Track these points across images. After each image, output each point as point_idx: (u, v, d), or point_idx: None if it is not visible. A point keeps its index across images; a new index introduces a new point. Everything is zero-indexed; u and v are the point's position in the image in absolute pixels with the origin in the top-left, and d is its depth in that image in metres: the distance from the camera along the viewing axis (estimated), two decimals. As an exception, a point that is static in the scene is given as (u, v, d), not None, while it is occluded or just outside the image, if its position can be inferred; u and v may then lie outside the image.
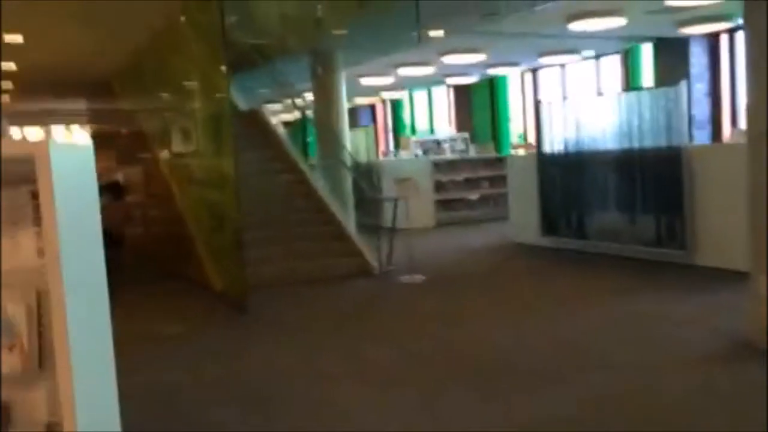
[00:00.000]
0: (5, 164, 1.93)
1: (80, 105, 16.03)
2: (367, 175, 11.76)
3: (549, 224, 9.31)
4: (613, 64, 14.21)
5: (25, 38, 8.57)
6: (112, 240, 8.18)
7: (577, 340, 5.11)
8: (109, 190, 9.28)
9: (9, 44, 8.69)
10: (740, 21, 9.58)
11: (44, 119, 19.68)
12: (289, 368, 4.84)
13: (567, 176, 8.96)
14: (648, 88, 10.66)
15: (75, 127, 20.44)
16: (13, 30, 8.10)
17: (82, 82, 12.63)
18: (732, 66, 12.11)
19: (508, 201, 10.65)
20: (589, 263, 8.21)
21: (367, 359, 4.98)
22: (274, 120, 12.13)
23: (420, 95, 19.96)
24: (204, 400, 4.32)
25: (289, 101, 12.24)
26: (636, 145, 7.93)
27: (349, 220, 9.38)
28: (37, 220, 1.95)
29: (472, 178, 13.43)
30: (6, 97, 14.26)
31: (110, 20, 7.91)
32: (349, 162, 9.84)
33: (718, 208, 7.07)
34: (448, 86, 17.57)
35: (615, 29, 10.26)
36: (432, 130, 19.31)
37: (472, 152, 14.54)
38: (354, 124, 18.93)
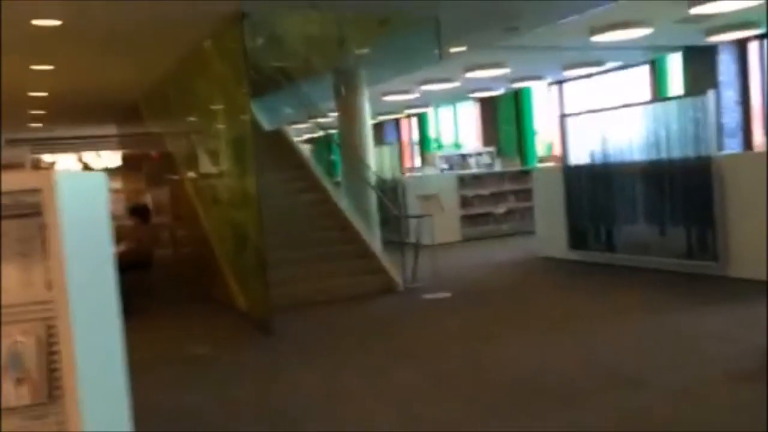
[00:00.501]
0: (15, 196, 1.94)
1: (110, 130, 16.39)
2: (391, 192, 11.74)
3: (576, 237, 9.18)
4: (641, 74, 14.03)
5: (55, 66, 8.78)
6: (140, 262, 8.34)
7: (609, 359, 4.98)
8: (138, 214, 9.40)
9: (40, 71, 8.92)
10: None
11: (77, 146, 20.19)
12: (314, 388, 4.81)
13: (594, 188, 8.83)
14: (676, 97, 10.50)
15: (104, 153, 20.94)
16: (44, 58, 8.31)
17: (112, 107, 12.92)
18: (762, 73, 11.88)
19: (535, 215, 10.54)
20: (618, 277, 8.05)
21: (393, 378, 4.93)
22: (298, 139, 12.20)
23: (445, 110, 19.95)
24: (230, 421, 4.31)
25: (313, 120, 12.31)
26: (664, 155, 7.80)
27: (373, 238, 9.35)
28: (47, 252, 1.95)
29: (498, 192, 13.30)
30: (37, 124, 14.62)
31: (138, 47, 8.09)
32: (373, 180, 9.82)
33: (751, 217, 6.90)
34: (474, 100, 17.52)
35: (641, 39, 10.13)
36: (457, 145, 19.26)
37: (498, 166, 14.44)
38: (379, 139, 19.01)
